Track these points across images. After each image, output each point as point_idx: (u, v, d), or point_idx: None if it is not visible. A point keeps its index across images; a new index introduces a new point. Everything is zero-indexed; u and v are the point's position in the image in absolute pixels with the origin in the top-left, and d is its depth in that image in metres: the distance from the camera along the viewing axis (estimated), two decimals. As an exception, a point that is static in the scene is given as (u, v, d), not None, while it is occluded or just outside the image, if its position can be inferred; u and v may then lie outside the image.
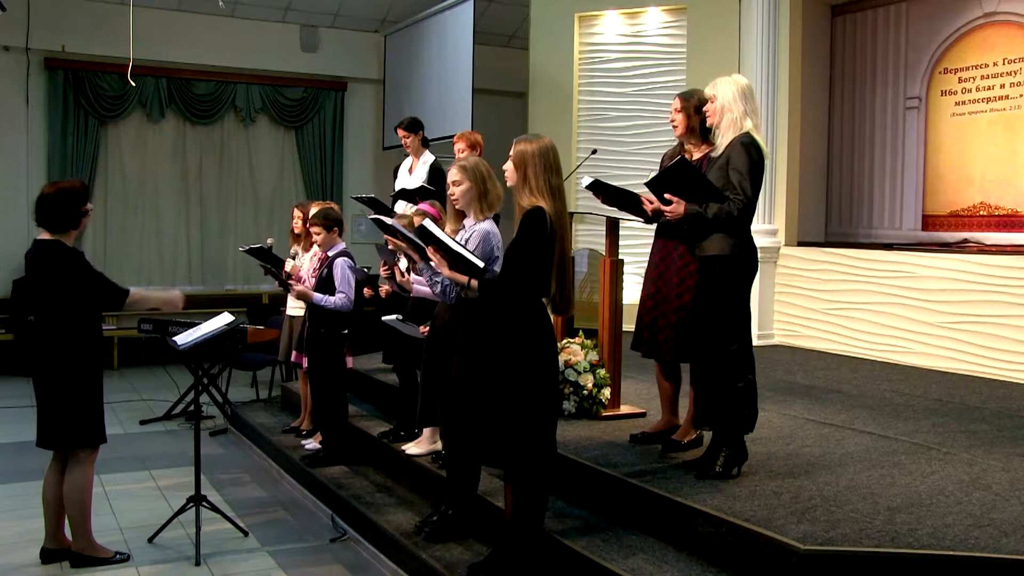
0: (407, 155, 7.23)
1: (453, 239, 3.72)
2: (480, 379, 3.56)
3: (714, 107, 4.03)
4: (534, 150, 3.51)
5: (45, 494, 4.37)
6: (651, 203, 4.05)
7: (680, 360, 4.44)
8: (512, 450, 3.49)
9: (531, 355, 3.49)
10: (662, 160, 4.58)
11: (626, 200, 4.31)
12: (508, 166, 3.57)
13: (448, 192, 4.11)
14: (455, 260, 3.61)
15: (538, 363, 3.50)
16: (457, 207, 4.12)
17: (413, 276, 5.02)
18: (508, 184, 3.61)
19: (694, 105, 4.29)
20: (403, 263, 5.39)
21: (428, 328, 4.68)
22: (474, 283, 3.59)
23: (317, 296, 5.54)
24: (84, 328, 4.26)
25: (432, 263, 3.72)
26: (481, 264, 3.57)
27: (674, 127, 4.42)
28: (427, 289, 4.49)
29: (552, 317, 3.69)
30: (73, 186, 4.33)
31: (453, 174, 4.04)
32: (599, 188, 4.32)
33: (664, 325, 4.38)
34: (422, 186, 6.59)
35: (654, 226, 4.49)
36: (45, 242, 4.25)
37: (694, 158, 4.33)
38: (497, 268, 3.82)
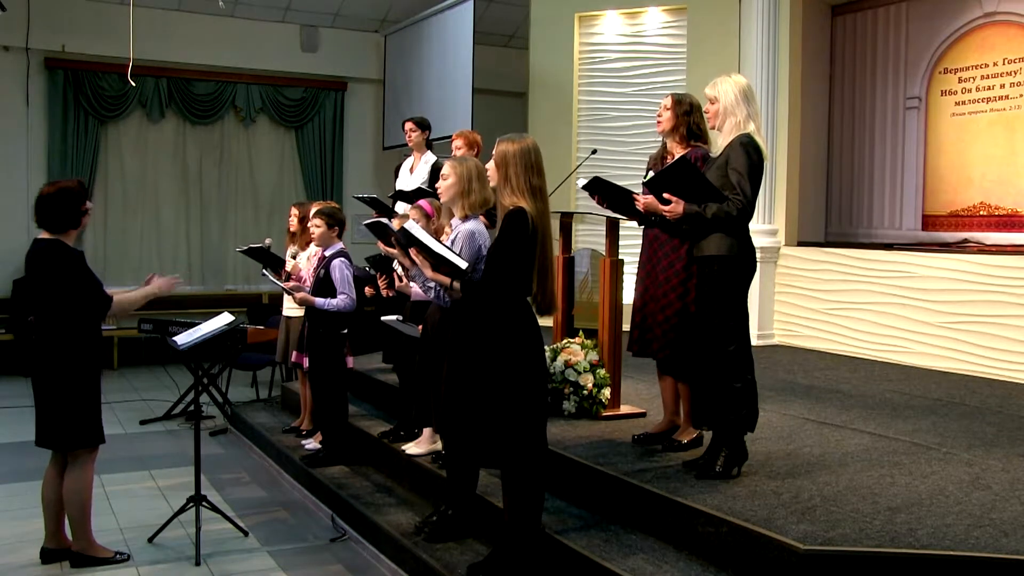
0: (408, 155, 7.23)
1: (439, 241, 3.72)
2: (469, 380, 3.56)
3: (715, 108, 4.02)
4: (515, 150, 3.52)
5: (44, 494, 4.37)
6: (640, 201, 4.07)
7: (670, 358, 4.45)
8: (503, 450, 3.49)
9: (516, 355, 3.49)
10: (648, 164, 4.60)
11: (622, 199, 4.32)
12: (490, 165, 3.58)
13: (437, 186, 4.16)
14: (438, 261, 3.61)
15: (524, 363, 3.51)
16: (443, 200, 4.17)
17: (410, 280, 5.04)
18: (491, 184, 3.62)
19: (684, 110, 4.37)
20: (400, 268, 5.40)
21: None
22: (456, 284, 3.59)
23: (319, 301, 5.53)
24: (83, 328, 4.25)
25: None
26: (464, 265, 3.57)
27: (659, 122, 4.47)
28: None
29: (546, 318, 3.69)
30: (71, 185, 4.31)
31: (445, 168, 4.10)
32: (595, 187, 4.32)
33: (653, 324, 4.42)
34: (419, 188, 6.60)
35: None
36: (45, 241, 4.25)
37: (674, 157, 4.36)
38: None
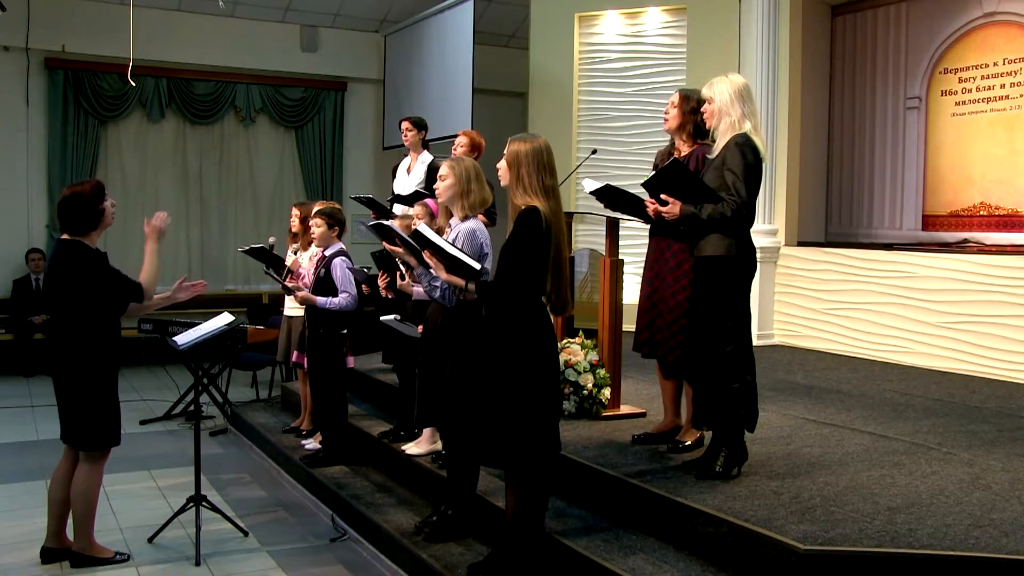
0: (406, 155, 7.24)
1: (449, 242, 3.72)
2: (479, 379, 3.55)
3: (711, 109, 4.02)
4: (527, 150, 3.52)
5: (51, 492, 4.38)
6: (652, 205, 4.06)
7: (680, 360, 4.44)
8: (512, 450, 3.49)
9: (531, 355, 3.49)
10: (655, 160, 4.60)
11: (630, 204, 4.31)
12: (501, 165, 3.58)
13: (435, 186, 4.16)
14: (451, 263, 3.61)
15: (538, 363, 3.50)
16: (440, 201, 4.18)
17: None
18: (503, 184, 3.62)
19: (691, 107, 4.34)
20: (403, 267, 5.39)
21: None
22: (471, 285, 3.59)
23: (321, 300, 5.53)
24: (103, 328, 4.26)
25: (430, 267, 3.73)
26: (478, 266, 3.57)
27: (665, 120, 4.46)
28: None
29: (552, 317, 3.69)
30: (84, 189, 4.31)
31: (442, 169, 4.12)
32: (604, 194, 4.30)
33: (662, 325, 4.41)
34: (416, 191, 6.61)
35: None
36: (66, 242, 4.27)
37: (682, 154, 4.36)
38: (487, 266, 3.84)
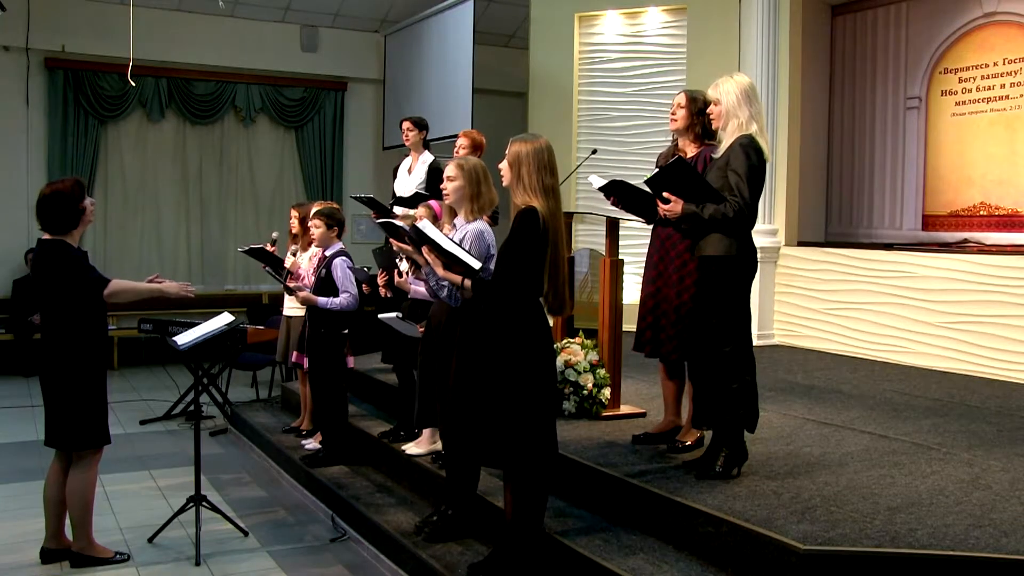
0: (407, 155, 7.24)
1: (450, 239, 3.72)
2: (478, 379, 3.56)
3: (718, 110, 4.01)
4: (528, 150, 3.53)
5: (47, 493, 4.37)
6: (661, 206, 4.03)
7: (683, 359, 4.43)
8: (510, 450, 3.49)
9: (527, 355, 3.49)
10: (657, 162, 4.58)
11: (639, 201, 4.27)
12: (503, 165, 3.59)
13: (442, 187, 4.15)
14: (450, 260, 3.61)
15: (534, 363, 3.50)
16: (447, 202, 4.17)
17: (411, 278, 5.03)
18: (504, 184, 3.62)
19: (699, 107, 4.31)
20: (403, 265, 5.39)
21: (424, 327, 4.68)
22: (467, 283, 3.59)
23: (322, 300, 5.53)
24: (89, 328, 4.26)
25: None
26: (477, 265, 3.57)
27: (672, 120, 4.42)
28: (424, 290, 4.49)
29: (551, 317, 3.69)
30: (65, 186, 4.29)
31: (450, 170, 4.09)
32: (613, 189, 4.26)
33: (666, 324, 4.39)
34: (417, 193, 6.60)
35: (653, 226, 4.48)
36: (48, 242, 4.26)
37: (687, 156, 4.34)
38: (492, 267, 3.83)
